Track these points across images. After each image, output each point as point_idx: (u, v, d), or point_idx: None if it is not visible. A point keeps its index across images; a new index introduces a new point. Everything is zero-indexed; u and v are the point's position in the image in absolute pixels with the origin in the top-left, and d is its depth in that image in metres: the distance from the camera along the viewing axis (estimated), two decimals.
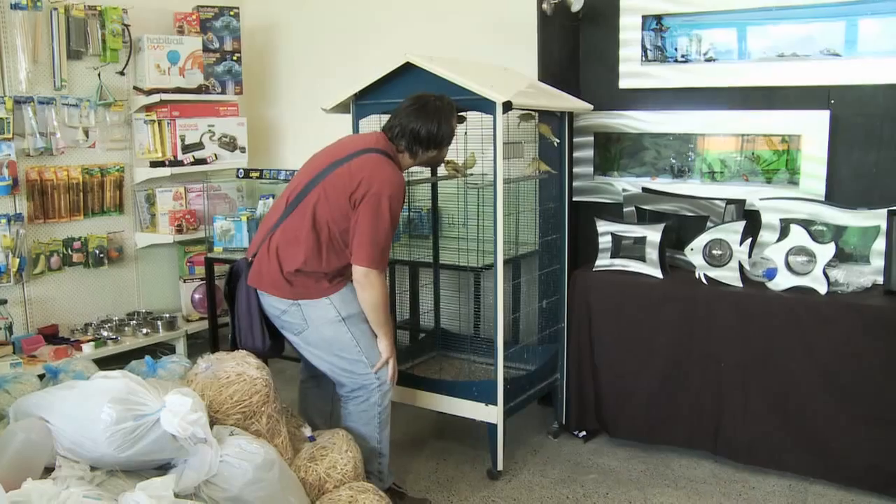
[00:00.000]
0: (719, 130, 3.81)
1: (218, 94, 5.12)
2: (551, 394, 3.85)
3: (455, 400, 3.44)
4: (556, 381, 3.83)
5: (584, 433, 3.81)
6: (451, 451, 3.74)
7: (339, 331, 2.96)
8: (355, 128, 3.53)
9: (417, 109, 3.00)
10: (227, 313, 3.22)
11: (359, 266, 2.90)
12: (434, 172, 3.85)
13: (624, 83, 3.95)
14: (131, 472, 2.41)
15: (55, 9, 4.36)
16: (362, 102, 3.48)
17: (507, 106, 3.11)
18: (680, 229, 3.78)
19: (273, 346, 3.08)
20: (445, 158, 3.33)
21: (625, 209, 3.89)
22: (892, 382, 3.11)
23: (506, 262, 3.49)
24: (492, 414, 3.35)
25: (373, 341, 3.02)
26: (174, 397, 2.37)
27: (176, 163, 4.84)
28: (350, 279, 3.00)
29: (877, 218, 3.37)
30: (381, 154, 2.97)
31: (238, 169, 4.99)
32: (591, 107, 3.83)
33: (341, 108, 3.54)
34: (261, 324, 3.02)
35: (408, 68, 3.28)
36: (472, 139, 3.62)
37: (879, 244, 3.37)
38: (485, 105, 3.16)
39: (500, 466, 3.42)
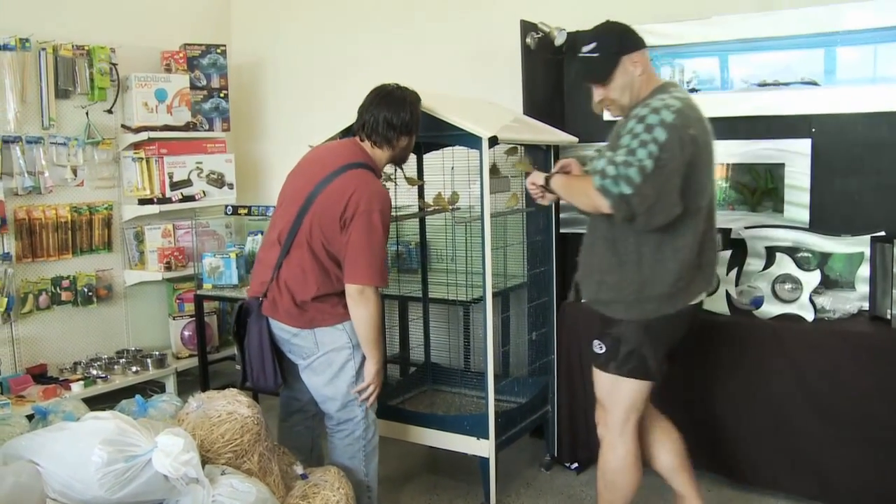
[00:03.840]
0: None
1: (205, 131, 5.15)
2: (543, 426, 3.85)
3: (446, 434, 3.43)
4: (547, 414, 3.83)
5: (576, 465, 3.81)
6: (444, 485, 3.74)
7: (346, 358, 2.95)
8: None
9: (384, 99, 3.00)
10: (213, 349, 3.19)
11: (353, 284, 2.86)
12: (421, 207, 3.88)
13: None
14: None
15: (43, 49, 4.39)
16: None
17: (493, 141, 3.14)
18: None
19: (286, 383, 3.07)
20: (435, 195, 3.34)
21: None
22: (880, 405, 3.14)
23: (495, 295, 3.50)
24: (483, 448, 3.34)
25: None
26: (166, 437, 2.36)
27: (164, 200, 4.85)
28: None
29: (860, 244, 3.41)
30: (362, 168, 2.95)
31: (226, 206, 5.00)
32: (577, 139, 3.87)
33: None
34: (273, 360, 2.98)
35: None
36: (458, 173, 3.65)
37: (864, 270, 3.41)
38: (471, 140, 3.19)
39: (492, 500, 3.40)
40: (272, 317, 2.97)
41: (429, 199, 3.76)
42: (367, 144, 3.02)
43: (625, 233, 2.63)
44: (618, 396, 2.79)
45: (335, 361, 2.95)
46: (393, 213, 3.61)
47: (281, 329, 2.97)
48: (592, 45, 2.74)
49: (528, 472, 3.84)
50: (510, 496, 3.59)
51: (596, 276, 2.77)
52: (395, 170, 3.71)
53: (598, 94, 2.80)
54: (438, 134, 3.25)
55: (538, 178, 2.91)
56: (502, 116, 3.52)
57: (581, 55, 2.78)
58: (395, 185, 3.76)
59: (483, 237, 3.23)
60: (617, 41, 2.73)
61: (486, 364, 3.32)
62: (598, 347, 2.81)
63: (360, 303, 2.88)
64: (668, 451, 2.98)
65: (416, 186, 3.90)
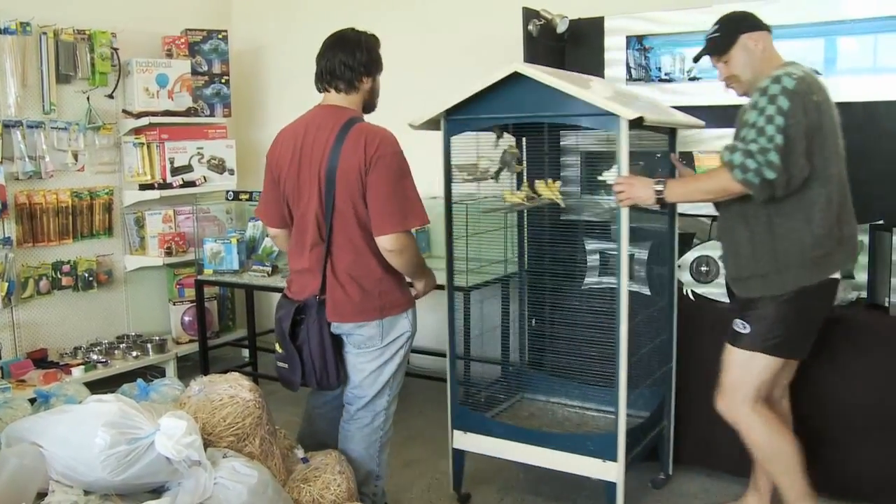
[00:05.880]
0: (704, 148, 3.86)
1: (206, 116, 5.15)
2: (658, 442, 3.50)
3: (565, 455, 3.06)
4: (663, 430, 3.51)
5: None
6: None
7: (401, 345, 2.92)
8: (447, 146, 3.20)
9: (337, 42, 2.88)
10: (213, 335, 3.11)
11: (385, 236, 2.72)
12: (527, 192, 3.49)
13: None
14: (126, 496, 2.40)
15: (44, 33, 4.39)
16: (455, 118, 3.14)
17: (638, 123, 2.81)
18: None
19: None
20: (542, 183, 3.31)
21: (612, 227, 3.88)
22: (877, 394, 3.15)
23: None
24: (611, 471, 2.95)
25: (402, 373, 3.00)
26: (168, 420, 2.37)
27: (165, 185, 4.86)
28: None
29: (859, 233, 3.40)
30: (356, 122, 2.80)
31: (227, 191, 5.01)
32: (703, 123, 3.57)
33: (430, 124, 3.21)
34: (335, 360, 2.88)
35: (512, 79, 2.98)
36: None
37: (862, 259, 3.41)
38: (605, 121, 2.86)
39: None
40: (339, 322, 2.86)
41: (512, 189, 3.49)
42: (334, 95, 2.87)
43: (756, 206, 2.71)
44: (751, 373, 2.83)
45: (390, 349, 2.91)
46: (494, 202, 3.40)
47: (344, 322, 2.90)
48: (716, 27, 2.94)
49: (636, 491, 3.40)
50: None
51: (732, 254, 2.89)
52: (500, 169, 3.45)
53: (722, 72, 2.95)
54: (558, 114, 2.98)
55: (642, 189, 2.86)
56: (630, 95, 3.37)
57: (706, 38, 2.96)
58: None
59: (619, 230, 2.95)
60: (736, 21, 2.92)
61: (618, 375, 2.93)
62: (742, 327, 2.85)
63: (396, 252, 2.76)
64: None
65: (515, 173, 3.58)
